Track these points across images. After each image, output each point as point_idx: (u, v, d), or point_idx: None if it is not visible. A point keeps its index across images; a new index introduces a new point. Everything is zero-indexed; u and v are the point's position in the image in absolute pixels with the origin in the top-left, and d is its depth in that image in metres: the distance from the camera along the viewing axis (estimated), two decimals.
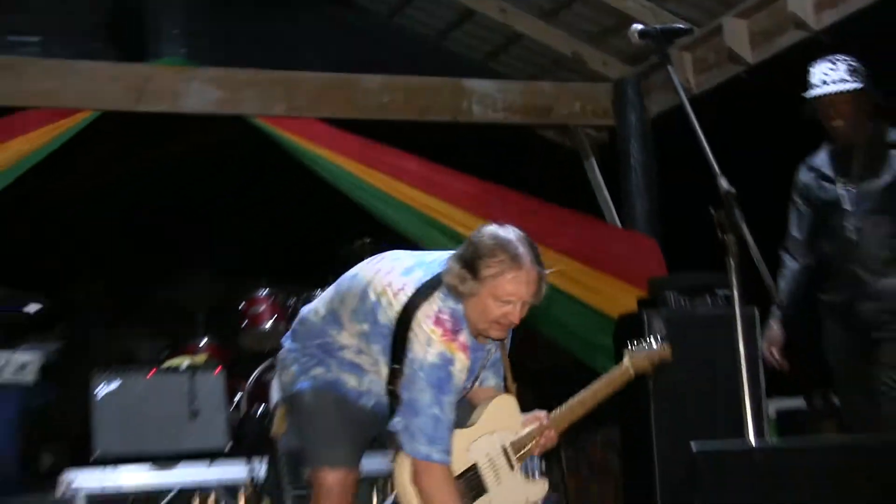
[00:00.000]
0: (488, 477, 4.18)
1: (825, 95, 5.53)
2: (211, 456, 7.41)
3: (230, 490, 7.52)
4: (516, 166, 10.64)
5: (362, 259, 8.16)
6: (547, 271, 4.07)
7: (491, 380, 4.35)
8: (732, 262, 3.98)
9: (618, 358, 7.96)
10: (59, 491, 7.02)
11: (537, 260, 3.99)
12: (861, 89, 5.51)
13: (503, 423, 4.25)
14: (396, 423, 4.00)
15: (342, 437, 4.18)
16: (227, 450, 7.44)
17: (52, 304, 6.30)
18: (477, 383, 4.29)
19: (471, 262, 3.90)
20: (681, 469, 3.65)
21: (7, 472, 7.09)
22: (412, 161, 9.56)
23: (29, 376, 6.10)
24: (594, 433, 9.32)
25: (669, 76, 4.44)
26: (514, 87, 10.54)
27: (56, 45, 10.37)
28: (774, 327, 5.86)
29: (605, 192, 10.71)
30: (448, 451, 3.95)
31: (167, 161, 11.37)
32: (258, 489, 7.11)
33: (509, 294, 3.89)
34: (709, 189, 4.01)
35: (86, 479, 7.12)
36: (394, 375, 4.02)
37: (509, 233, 4.02)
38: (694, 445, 2.29)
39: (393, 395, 4.03)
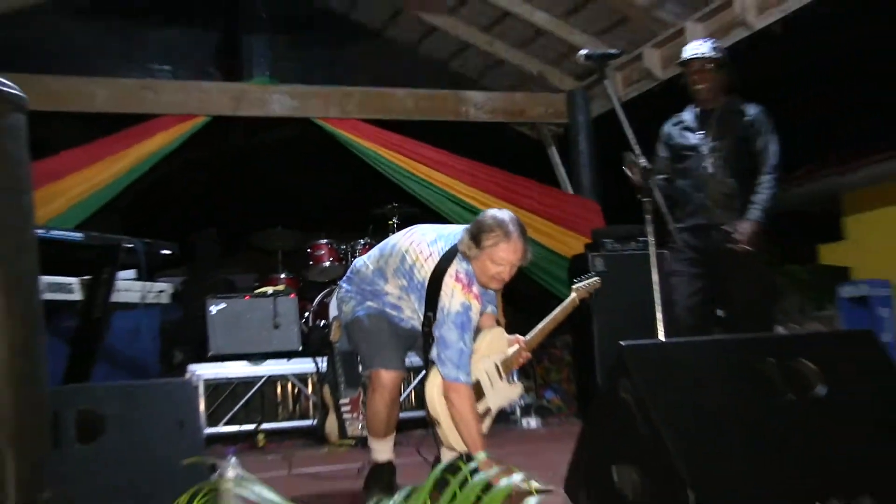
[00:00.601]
0: (486, 386, 4.20)
1: (693, 59, 5.31)
2: (288, 355, 7.52)
3: (301, 378, 7.65)
4: (500, 152, 10.67)
5: (390, 217, 8.40)
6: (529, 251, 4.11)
7: (489, 308, 4.33)
8: (648, 218, 4.19)
9: (570, 285, 8.19)
10: (186, 378, 7.19)
11: (524, 235, 4.02)
12: (719, 60, 5.32)
13: (495, 348, 4.26)
14: (433, 355, 4.02)
15: (392, 347, 4.15)
16: (299, 350, 7.61)
17: (178, 249, 6.37)
18: (484, 312, 4.27)
19: (476, 235, 3.92)
20: (612, 359, 3.66)
21: (152, 365, 7.19)
22: (427, 148, 9.62)
23: (165, 299, 6.13)
24: (554, 337, 9.46)
25: (605, 88, 4.61)
26: (497, 96, 10.56)
27: (181, 71, 10.45)
28: None
29: (562, 170, 10.72)
30: (470, 374, 3.99)
31: (257, 148, 11.45)
32: (320, 379, 7.23)
33: (502, 259, 3.93)
34: None
35: (203, 370, 7.22)
36: (428, 320, 4.03)
37: (504, 215, 4.03)
38: (622, 343, 2.44)
39: (427, 335, 4.04)
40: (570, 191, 10.39)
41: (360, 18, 11.50)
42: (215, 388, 7.34)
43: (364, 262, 4.33)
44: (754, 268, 5.23)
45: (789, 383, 2.40)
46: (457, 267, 4.00)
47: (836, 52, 12.00)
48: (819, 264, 11.25)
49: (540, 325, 4.47)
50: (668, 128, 5.31)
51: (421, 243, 4.14)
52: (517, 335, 4.41)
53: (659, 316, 4.23)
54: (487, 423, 4.25)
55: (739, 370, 2.43)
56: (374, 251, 4.33)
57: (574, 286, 4.56)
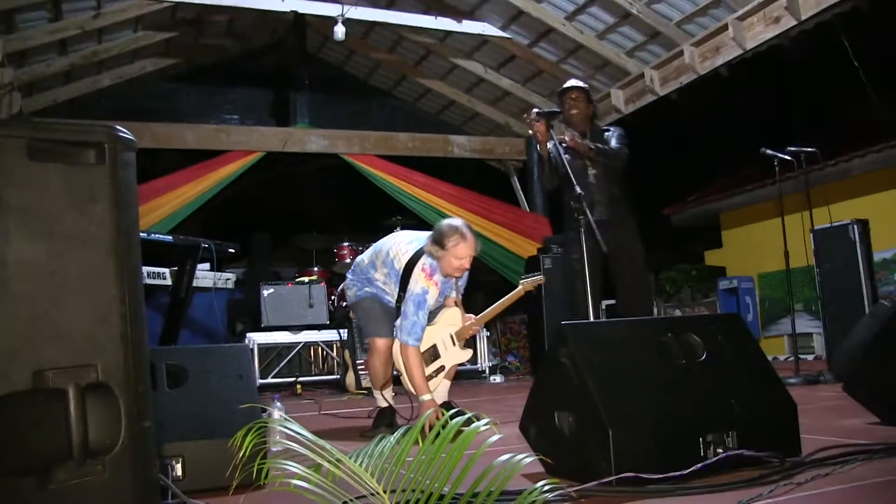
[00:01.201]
0: (441, 349, 4.16)
1: (571, 87, 4.97)
2: (319, 327, 7.54)
3: (328, 344, 7.66)
4: (476, 180, 10.71)
5: (395, 227, 8.40)
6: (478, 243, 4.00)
7: (453, 293, 4.26)
8: (582, 229, 4.15)
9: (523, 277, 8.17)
10: (245, 343, 7.19)
11: (474, 234, 3.95)
12: (589, 94, 5.01)
13: (451, 321, 4.21)
14: (396, 324, 4.01)
15: (382, 322, 4.08)
16: (327, 323, 7.62)
17: (240, 248, 6.37)
18: (447, 297, 4.23)
19: (439, 240, 3.86)
20: (556, 332, 3.54)
21: (220, 334, 7.19)
22: (422, 176, 9.63)
23: (230, 285, 6.14)
24: (514, 316, 9.49)
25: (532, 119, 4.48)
26: (475, 139, 10.58)
27: (246, 119, 10.51)
28: None
29: (521, 194, 10.77)
30: (419, 340, 3.93)
31: (298, 175, 11.45)
32: (342, 345, 7.25)
33: (462, 254, 3.87)
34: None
35: (258, 337, 7.26)
36: (400, 298, 3.99)
37: (458, 222, 3.96)
38: (563, 322, 2.44)
39: (398, 310, 3.99)
40: (527, 209, 10.48)
41: (375, 83, 11.58)
42: (266, 350, 7.38)
43: (363, 257, 4.28)
44: (638, 255, 4.89)
45: (682, 351, 2.42)
46: (424, 261, 3.95)
47: (720, 113, 12.09)
48: (704, 265, 11.30)
49: (490, 308, 4.45)
50: (552, 149, 4.73)
51: (401, 243, 4.10)
52: (470, 314, 4.32)
53: (589, 302, 4.20)
54: (442, 376, 4.17)
55: (646, 341, 2.43)
56: (370, 249, 4.27)
57: (521, 279, 4.49)
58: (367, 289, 4.20)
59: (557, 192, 4.93)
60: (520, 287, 4.41)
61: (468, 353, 4.29)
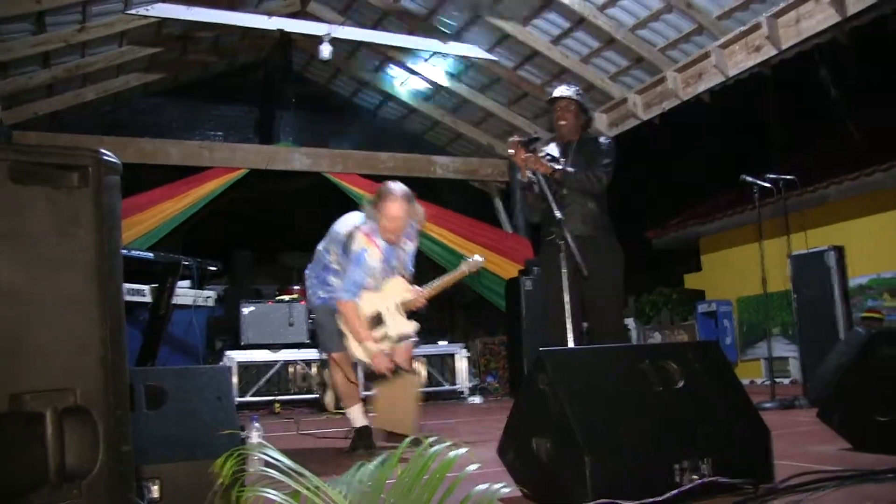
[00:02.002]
0: (386, 316, 4.17)
1: (560, 97, 4.66)
2: (298, 346, 7.54)
3: (307, 363, 7.65)
4: (459, 201, 10.75)
5: None
6: (419, 208, 4.17)
7: (408, 270, 4.32)
8: (563, 252, 4.09)
9: (505, 299, 8.14)
10: (224, 361, 7.17)
11: (408, 199, 4.05)
12: (580, 102, 4.69)
13: (397, 292, 4.22)
14: (336, 285, 4.16)
15: (338, 333, 4.14)
16: (306, 342, 7.59)
17: (222, 266, 6.36)
18: (399, 271, 4.28)
19: (375, 202, 4.02)
20: (535, 356, 3.44)
21: (200, 351, 7.16)
22: None
23: (211, 302, 6.14)
24: (493, 337, 9.51)
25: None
26: (458, 160, 10.65)
27: (230, 136, 10.52)
28: None
29: (503, 215, 10.84)
30: (355, 295, 4.04)
31: (282, 193, 11.45)
32: (321, 364, 7.21)
33: (392, 214, 3.98)
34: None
35: (237, 355, 7.24)
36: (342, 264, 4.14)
37: (395, 185, 4.09)
38: (541, 349, 2.44)
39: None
40: (509, 230, 10.51)
41: (359, 102, 11.59)
42: (245, 368, 7.37)
43: (319, 246, 4.35)
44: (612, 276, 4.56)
45: (659, 378, 2.43)
46: (365, 224, 4.09)
47: (702, 139, 12.22)
48: (684, 288, 11.37)
49: (434, 283, 4.46)
50: (532, 176, 4.67)
51: (348, 218, 4.24)
52: (417, 287, 4.34)
53: (569, 326, 4.12)
54: (386, 344, 4.18)
55: (624, 368, 2.44)
56: (326, 237, 4.35)
57: (464, 260, 4.49)
58: (320, 292, 4.25)
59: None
60: (463, 267, 4.44)
61: (413, 324, 4.32)
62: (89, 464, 1.37)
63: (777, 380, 6.45)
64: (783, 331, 8.97)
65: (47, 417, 1.35)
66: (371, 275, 4.12)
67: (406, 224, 4.12)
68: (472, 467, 1.42)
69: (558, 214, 3.94)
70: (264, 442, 1.76)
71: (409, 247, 4.34)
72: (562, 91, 4.74)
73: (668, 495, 2.09)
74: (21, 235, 1.38)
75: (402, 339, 4.26)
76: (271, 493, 1.38)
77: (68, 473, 1.36)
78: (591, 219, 4.50)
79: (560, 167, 4.44)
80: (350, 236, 4.13)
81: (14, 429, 1.33)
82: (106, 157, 1.51)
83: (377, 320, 4.17)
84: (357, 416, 4.21)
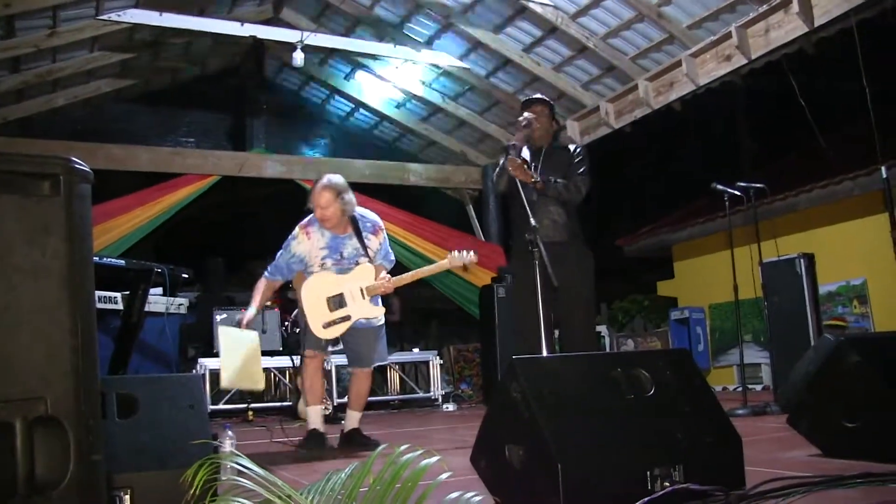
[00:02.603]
0: (349, 299, 4.28)
1: (534, 100, 4.75)
2: (272, 353, 7.47)
3: (281, 371, 7.63)
4: (431, 208, 10.76)
5: None
6: (349, 196, 4.38)
7: (363, 259, 4.43)
8: (536, 261, 4.09)
9: (479, 307, 8.15)
10: (197, 368, 7.11)
11: (336, 189, 4.30)
12: (552, 106, 4.79)
13: (363, 276, 4.34)
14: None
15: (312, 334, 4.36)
16: (280, 350, 7.56)
17: (194, 273, 6.31)
18: (355, 261, 4.41)
19: (310, 195, 4.34)
20: (508, 364, 3.36)
21: (172, 359, 7.11)
22: (378, 203, 9.56)
23: (183, 310, 6.08)
24: (468, 344, 9.51)
25: (500, 160, 4.47)
26: (431, 167, 10.67)
27: (202, 142, 10.45)
28: None
29: (476, 222, 10.84)
30: (272, 275, 4.48)
31: (254, 200, 11.40)
32: (295, 371, 7.19)
33: (318, 203, 4.26)
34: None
35: (210, 362, 7.17)
36: None
37: (324, 178, 4.42)
38: (514, 357, 2.45)
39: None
40: (482, 238, 10.51)
41: (332, 108, 11.58)
42: (218, 375, 7.24)
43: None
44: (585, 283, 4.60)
45: (630, 386, 2.45)
46: (306, 219, 4.44)
47: (673, 147, 12.34)
48: (657, 295, 11.45)
49: (411, 273, 4.51)
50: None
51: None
52: (387, 274, 4.45)
53: (542, 334, 4.10)
54: (345, 326, 4.29)
55: (596, 376, 2.45)
56: None
57: (450, 254, 4.56)
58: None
59: (507, 209, 4.79)
60: (446, 260, 4.54)
61: (379, 310, 4.41)
62: (60, 474, 1.36)
63: (749, 386, 6.51)
64: (755, 337, 9.06)
65: (17, 427, 1.34)
66: (299, 261, 4.42)
67: (337, 212, 4.30)
68: (444, 476, 1.43)
69: (533, 221, 3.98)
70: (235, 451, 1.76)
71: (373, 241, 4.48)
72: (537, 95, 4.86)
73: (640, 502, 2.11)
74: None
75: (364, 321, 4.38)
76: (242, 502, 1.37)
77: (38, 484, 1.34)
78: (562, 226, 4.51)
79: (541, 178, 4.46)
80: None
81: None
82: (77, 166, 1.50)
83: (339, 302, 4.28)
84: (315, 417, 4.37)
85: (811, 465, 2.89)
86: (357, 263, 4.40)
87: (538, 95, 4.90)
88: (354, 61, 9.89)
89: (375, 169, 10.04)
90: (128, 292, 5.52)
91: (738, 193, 5.82)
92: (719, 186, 5.77)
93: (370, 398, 8.29)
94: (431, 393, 8.17)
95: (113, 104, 10.38)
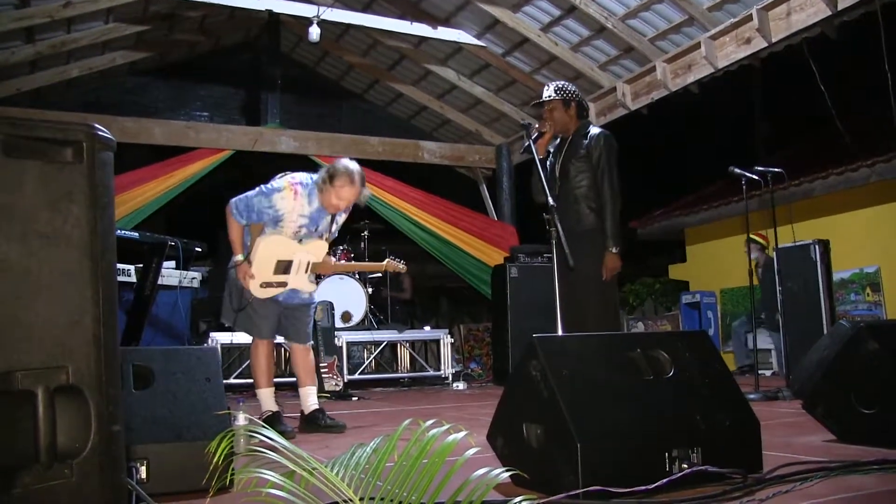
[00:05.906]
0: (293, 268, 4.22)
1: (541, 102, 4.75)
2: None
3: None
4: (444, 186, 10.72)
5: (362, 230, 8.40)
6: (366, 191, 4.18)
7: (326, 234, 4.35)
8: (553, 241, 4.08)
9: (491, 287, 8.14)
10: (208, 342, 7.12)
11: (363, 184, 4.10)
12: (562, 98, 4.69)
13: (315, 251, 4.27)
14: None
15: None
16: None
17: (206, 247, 6.31)
18: (325, 234, 4.34)
19: (332, 176, 3.99)
20: (522, 340, 3.34)
21: (184, 333, 7.12)
22: (391, 181, 9.61)
23: (195, 284, 6.08)
24: (478, 324, 9.51)
25: (524, 142, 4.30)
26: (445, 146, 10.61)
27: (216, 117, 10.44)
28: None
29: (489, 202, 10.81)
30: (240, 212, 4.15)
31: (266, 175, 11.37)
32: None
33: (344, 197, 4.03)
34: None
35: (221, 337, 7.19)
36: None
37: (354, 167, 4.08)
38: (534, 335, 2.43)
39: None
40: (495, 217, 10.49)
41: (347, 85, 11.55)
42: (229, 350, 7.30)
43: None
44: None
45: (650, 367, 2.44)
46: (302, 178, 4.11)
47: (689, 130, 12.26)
48: (668, 278, 11.42)
49: (350, 264, 4.55)
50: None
51: (296, 174, 4.27)
52: (331, 257, 4.51)
53: (559, 314, 4.11)
54: (277, 291, 4.25)
55: (615, 357, 2.44)
56: None
57: (388, 258, 4.64)
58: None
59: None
60: (385, 262, 4.62)
61: (312, 286, 4.40)
62: (81, 444, 1.36)
63: (759, 371, 6.49)
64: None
65: (39, 396, 1.33)
66: (273, 214, 4.11)
67: (348, 205, 4.22)
68: (471, 451, 1.41)
69: (550, 200, 3.96)
70: (258, 421, 1.75)
71: (340, 221, 4.46)
72: (543, 93, 4.79)
73: (658, 483, 2.10)
74: (13, 210, 1.36)
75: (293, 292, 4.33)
76: (268, 474, 1.36)
77: (59, 453, 1.34)
78: (585, 218, 4.57)
79: (612, 242, 4.52)
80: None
81: (5, 407, 1.30)
82: (100, 133, 1.48)
83: (285, 268, 4.23)
84: (267, 398, 4.35)
85: (827, 451, 2.88)
86: (321, 237, 4.34)
87: (543, 95, 4.79)
88: (371, 37, 9.82)
89: (389, 146, 9.99)
90: (141, 265, 5.52)
91: (756, 178, 5.76)
92: (737, 170, 5.72)
93: (381, 375, 8.35)
94: (442, 371, 8.17)
95: (127, 76, 10.37)
